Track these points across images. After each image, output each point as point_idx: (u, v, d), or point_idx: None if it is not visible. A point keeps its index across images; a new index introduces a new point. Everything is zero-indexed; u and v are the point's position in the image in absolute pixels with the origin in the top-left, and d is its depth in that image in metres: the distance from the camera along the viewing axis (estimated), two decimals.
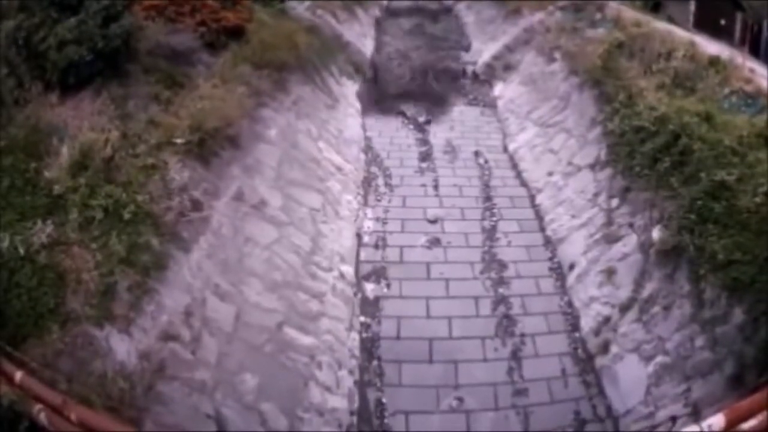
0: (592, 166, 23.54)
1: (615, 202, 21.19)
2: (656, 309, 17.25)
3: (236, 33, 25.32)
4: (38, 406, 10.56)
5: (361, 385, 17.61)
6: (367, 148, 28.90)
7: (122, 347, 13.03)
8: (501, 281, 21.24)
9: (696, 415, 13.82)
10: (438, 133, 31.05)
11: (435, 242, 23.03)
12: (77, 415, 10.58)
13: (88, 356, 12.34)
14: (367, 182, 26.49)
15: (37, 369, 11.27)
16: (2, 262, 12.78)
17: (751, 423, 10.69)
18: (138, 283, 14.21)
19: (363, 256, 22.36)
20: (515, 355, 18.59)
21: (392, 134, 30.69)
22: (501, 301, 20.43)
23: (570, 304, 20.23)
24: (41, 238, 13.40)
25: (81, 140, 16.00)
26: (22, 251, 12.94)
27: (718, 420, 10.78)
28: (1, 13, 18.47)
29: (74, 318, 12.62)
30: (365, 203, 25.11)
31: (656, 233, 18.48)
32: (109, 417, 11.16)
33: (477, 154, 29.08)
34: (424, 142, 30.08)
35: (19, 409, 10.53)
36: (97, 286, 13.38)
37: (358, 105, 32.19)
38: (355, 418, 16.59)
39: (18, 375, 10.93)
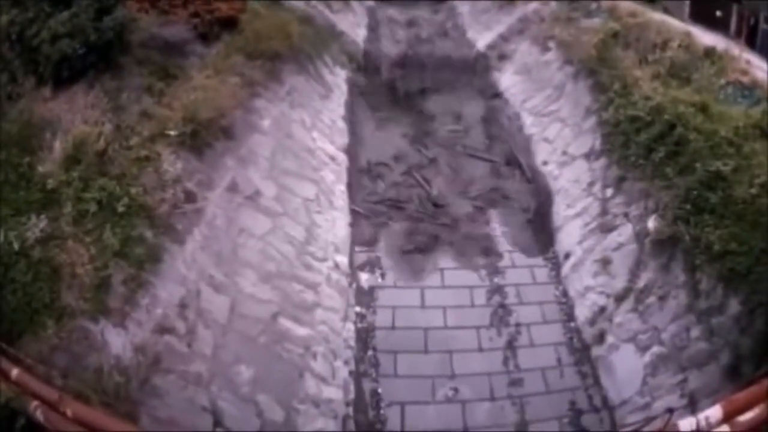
0: (586, 156, 23.53)
1: (610, 191, 21.21)
2: (652, 299, 17.29)
3: (229, 24, 25.19)
4: (35, 403, 10.54)
5: (357, 376, 17.61)
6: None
7: (117, 341, 13.03)
8: (496, 271, 21.24)
9: (692, 406, 13.88)
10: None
11: None
12: (73, 411, 10.55)
13: (83, 351, 12.35)
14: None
15: (33, 365, 11.25)
16: None
17: (749, 415, 10.70)
18: (132, 276, 14.21)
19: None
20: (511, 345, 18.61)
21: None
22: (496, 290, 20.45)
23: (565, 293, 20.26)
24: (35, 232, 13.38)
25: (74, 134, 15.97)
26: (16, 246, 12.92)
27: (715, 412, 10.78)
28: None
29: (69, 312, 12.62)
30: None
31: (651, 223, 18.50)
32: (105, 412, 11.13)
33: None
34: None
35: (16, 406, 10.52)
36: (92, 279, 13.36)
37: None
38: (350, 409, 16.60)
39: (14, 372, 10.90)
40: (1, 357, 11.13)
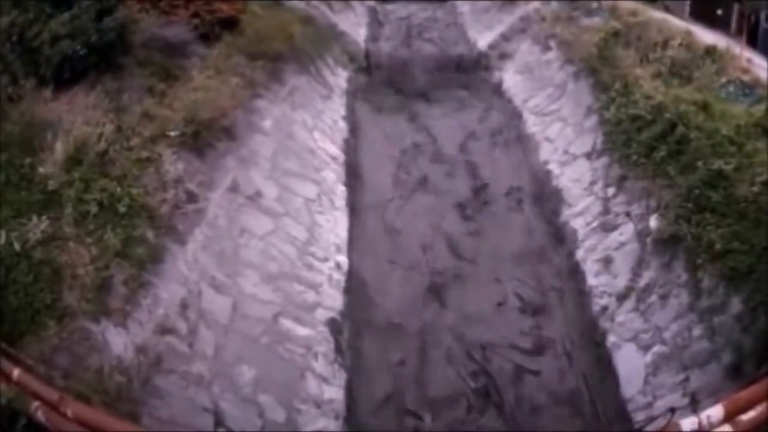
0: (588, 155, 23.51)
1: (611, 191, 21.17)
2: (653, 298, 17.26)
3: (230, 24, 25.26)
4: (36, 403, 10.52)
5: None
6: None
7: (119, 341, 13.02)
8: None
9: (694, 405, 13.83)
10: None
11: None
12: (74, 412, 10.53)
13: (84, 351, 12.32)
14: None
15: (34, 365, 11.23)
16: None
17: (751, 414, 10.66)
18: (134, 276, 14.21)
19: None
20: None
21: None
22: None
23: None
24: (36, 233, 13.34)
25: (75, 135, 15.93)
26: (17, 247, 12.87)
27: (716, 411, 10.73)
28: None
29: (70, 313, 12.59)
30: None
31: (653, 222, 18.50)
32: (106, 412, 11.12)
33: None
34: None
35: (17, 407, 10.49)
36: (93, 280, 13.34)
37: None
38: None
39: (15, 372, 10.87)
40: (2, 357, 11.11)
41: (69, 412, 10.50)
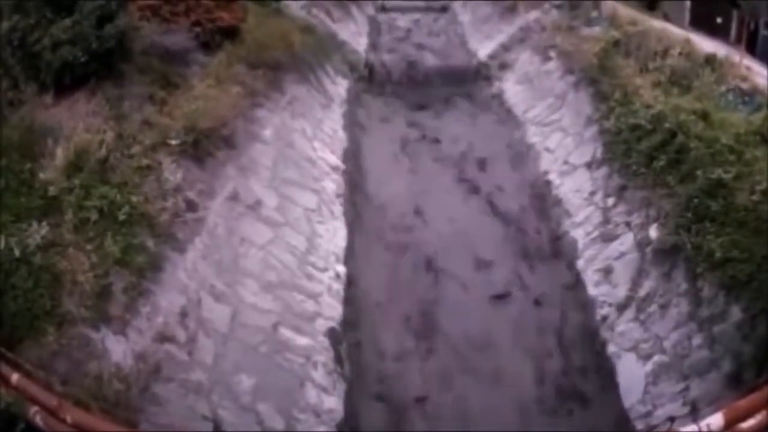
0: (588, 165, 23.54)
1: (611, 200, 21.21)
2: (653, 308, 17.27)
3: (231, 33, 25.26)
4: (34, 408, 10.52)
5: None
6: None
7: (118, 348, 12.99)
8: None
9: (694, 414, 13.81)
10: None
11: None
12: (72, 417, 10.53)
13: (83, 358, 12.30)
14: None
15: (33, 371, 11.22)
16: None
17: (750, 422, 10.65)
18: (133, 284, 14.18)
19: None
20: None
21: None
22: None
23: None
24: (36, 239, 13.32)
25: (76, 141, 15.91)
26: (17, 253, 12.85)
27: (716, 419, 10.74)
28: None
29: (70, 319, 12.58)
30: None
31: (653, 232, 18.51)
32: (104, 419, 11.11)
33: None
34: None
35: (16, 412, 10.48)
36: (93, 287, 13.32)
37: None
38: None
39: (14, 377, 10.88)
40: (1, 362, 11.11)
41: (68, 418, 10.51)
